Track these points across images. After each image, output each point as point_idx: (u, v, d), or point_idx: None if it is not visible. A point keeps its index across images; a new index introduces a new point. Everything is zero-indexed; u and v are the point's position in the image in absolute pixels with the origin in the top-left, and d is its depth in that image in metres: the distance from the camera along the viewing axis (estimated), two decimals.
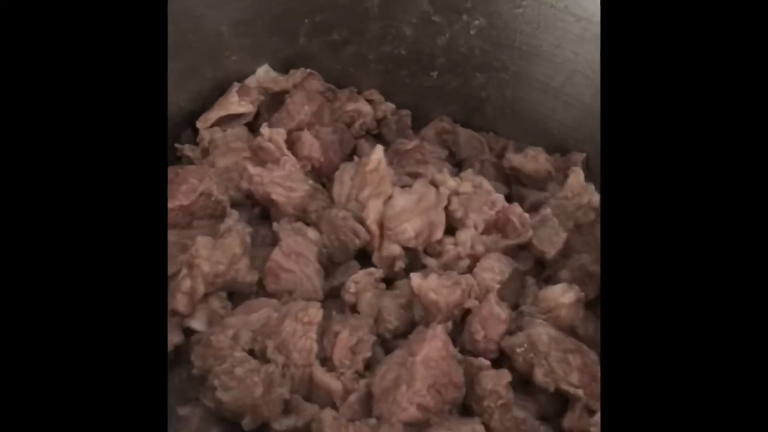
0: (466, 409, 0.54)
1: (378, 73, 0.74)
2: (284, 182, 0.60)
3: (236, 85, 0.67)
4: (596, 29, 0.66)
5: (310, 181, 0.62)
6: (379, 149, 0.59)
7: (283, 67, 0.71)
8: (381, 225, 0.59)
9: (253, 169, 0.60)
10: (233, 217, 0.56)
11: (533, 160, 0.71)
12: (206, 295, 0.54)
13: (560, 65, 0.70)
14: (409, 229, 0.58)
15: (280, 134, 0.63)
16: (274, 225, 0.59)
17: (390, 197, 0.59)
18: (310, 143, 0.65)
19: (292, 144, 0.65)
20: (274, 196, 0.60)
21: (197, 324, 0.54)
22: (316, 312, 0.53)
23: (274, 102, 0.68)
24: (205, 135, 0.65)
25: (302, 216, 0.61)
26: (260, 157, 0.63)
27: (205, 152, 0.65)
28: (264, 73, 0.69)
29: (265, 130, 0.62)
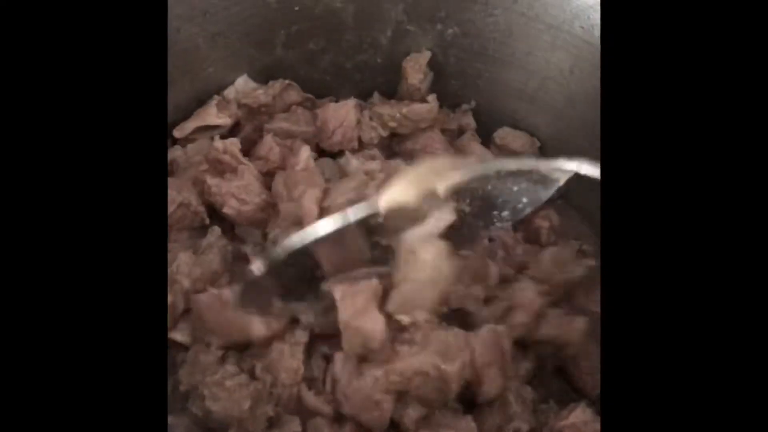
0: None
1: (354, 82, 0.75)
2: (239, 194, 0.60)
3: (216, 98, 0.68)
4: (566, 36, 0.68)
5: (264, 195, 0.61)
6: (306, 149, 0.60)
7: (262, 77, 0.71)
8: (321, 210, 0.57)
9: (210, 180, 0.60)
10: (215, 234, 0.57)
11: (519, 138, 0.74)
12: (187, 309, 0.55)
13: (533, 72, 0.72)
14: None
15: (235, 144, 0.62)
16: (244, 247, 0.58)
17: (326, 189, 0.58)
18: (269, 146, 0.65)
19: (252, 144, 0.66)
20: (225, 209, 0.60)
21: (180, 336, 0.54)
22: (302, 333, 0.53)
23: (251, 114, 0.69)
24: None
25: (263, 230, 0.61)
26: (219, 169, 0.62)
27: (170, 172, 0.65)
28: (243, 84, 0.69)
29: (218, 142, 0.62)
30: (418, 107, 0.71)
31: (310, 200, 0.55)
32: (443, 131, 0.74)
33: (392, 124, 0.71)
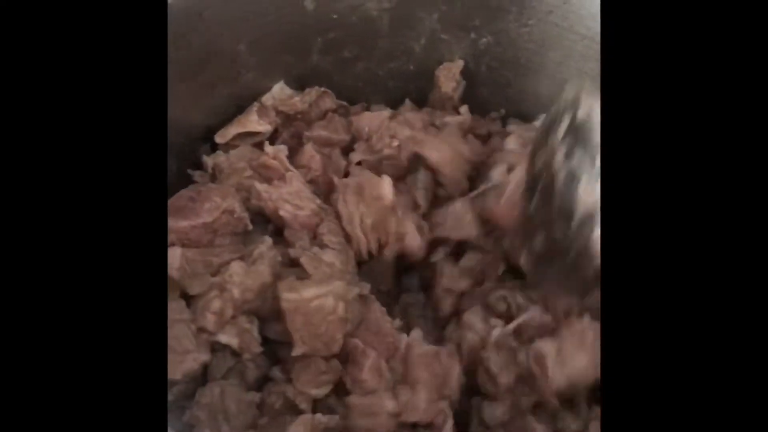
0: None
1: (387, 89, 0.76)
2: (292, 199, 0.61)
3: (256, 105, 0.68)
4: (598, 47, 0.69)
5: (318, 200, 0.63)
6: (388, 181, 0.61)
7: (297, 84, 0.72)
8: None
9: (260, 186, 0.61)
10: (266, 244, 0.58)
11: None
12: (234, 315, 0.56)
13: (563, 82, 0.73)
14: None
15: (282, 151, 0.64)
16: (291, 251, 0.59)
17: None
18: (310, 154, 0.66)
19: (293, 153, 0.67)
20: (282, 213, 0.61)
21: (226, 338, 0.55)
22: None
23: (288, 120, 0.70)
24: (208, 161, 0.66)
25: (313, 235, 0.62)
26: (265, 175, 0.64)
27: (213, 177, 0.66)
28: (279, 91, 0.70)
29: (269, 148, 0.64)
30: (451, 119, 0.72)
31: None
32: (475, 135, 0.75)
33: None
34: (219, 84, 0.67)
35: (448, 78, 0.74)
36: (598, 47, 0.69)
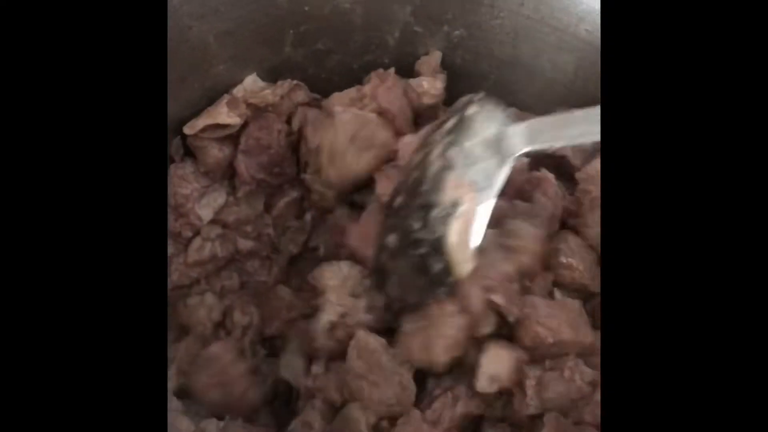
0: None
1: (361, 82, 0.76)
2: None
3: (226, 97, 0.68)
4: (571, 39, 0.69)
5: None
6: None
7: (270, 76, 0.72)
8: None
9: None
10: None
11: None
12: None
13: (538, 74, 0.73)
14: None
15: None
16: None
17: None
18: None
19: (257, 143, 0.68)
20: None
21: None
22: None
23: (258, 113, 0.69)
24: None
25: None
26: None
27: None
28: (251, 83, 0.70)
29: None
30: (423, 80, 0.72)
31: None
32: None
33: None
34: (189, 76, 0.67)
35: (429, 71, 0.74)
36: (570, 39, 0.69)
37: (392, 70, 0.71)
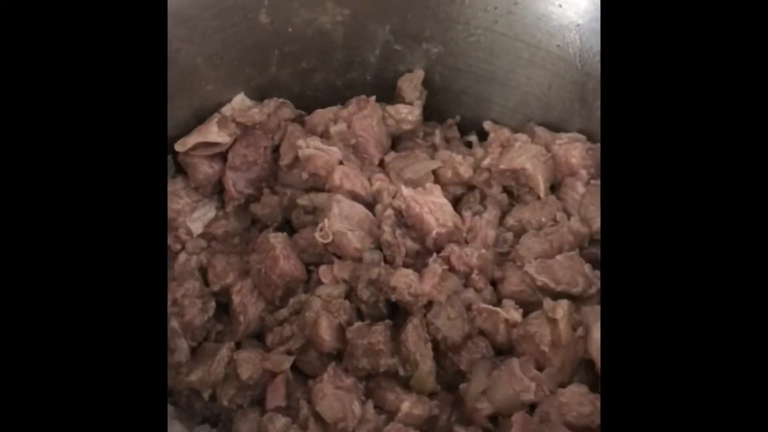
0: None
1: (346, 98, 0.79)
2: None
3: (216, 116, 0.71)
4: (544, 54, 0.72)
5: None
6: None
7: (257, 95, 0.75)
8: None
9: None
10: None
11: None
12: None
13: (514, 88, 0.77)
14: None
15: None
16: None
17: None
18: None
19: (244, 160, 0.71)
20: None
21: None
22: None
23: (246, 131, 0.72)
24: None
25: None
26: None
27: None
28: (240, 102, 0.73)
29: None
30: (401, 107, 0.75)
31: None
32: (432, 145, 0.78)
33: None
34: (179, 96, 0.70)
35: (411, 88, 0.77)
36: (543, 54, 0.73)
37: (372, 98, 0.74)
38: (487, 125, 0.79)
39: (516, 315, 0.62)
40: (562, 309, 0.59)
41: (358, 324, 0.61)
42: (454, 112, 0.81)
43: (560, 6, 0.68)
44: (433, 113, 0.81)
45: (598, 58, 0.69)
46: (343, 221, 0.65)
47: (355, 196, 0.69)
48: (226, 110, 0.73)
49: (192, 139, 0.69)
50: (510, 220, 0.71)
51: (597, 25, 0.67)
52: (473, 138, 0.80)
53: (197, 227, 0.70)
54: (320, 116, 0.74)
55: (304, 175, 0.70)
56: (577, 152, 0.71)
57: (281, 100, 0.75)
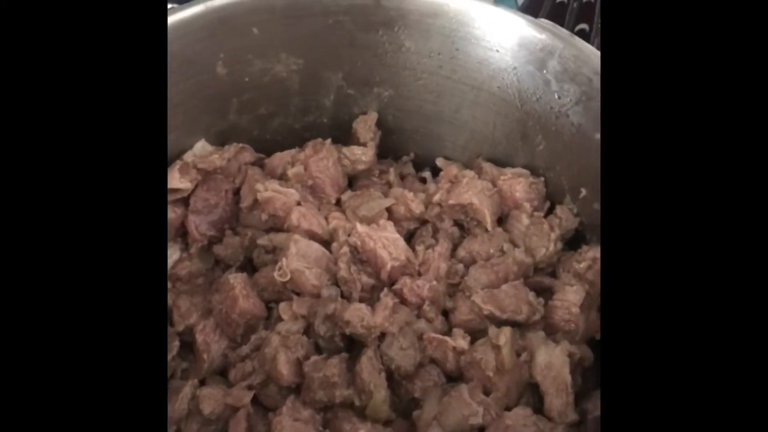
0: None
1: (305, 140, 0.83)
2: None
3: (178, 163, 0.74)
4: (486, 95, 0.77)
5: None
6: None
7: (218, 140, 0.79)
8: None
9: None
10: None
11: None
12: None
13: (461, 126, 0.81)
14: None
15: None
16: None
17: None
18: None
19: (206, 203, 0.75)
20: None
21: None
22: None
23: (207, 176, 0.76)
24: None
25: None
26: None
27: None
28: (201, 148, 0.77)
29: None
30: (355, 149, 0.80)
31: None
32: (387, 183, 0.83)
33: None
34: None
35: (365, 129, 0.82)
36: (485, 95, 0.77)
37: (328, 141, 0.79)
38: (439, 162, 0.84)
39: (463, 343, 0.66)
40: (504, 336, 0.63)
41: (314, 358, 0.64)
42: (409, 149, 0.86)
43: (497, 51, 0.73)
44: (389, 151, 0.85)
45: (535, 98, 0.74)
46: (300, 260, 0.69)
47: (312, 235, 0.72)
48: (188, 156, 0.76)
49: None
50: (461, 252, 0.75)
51: (531, 68, 0.72)
52: (427, 174, 0.85)
53: None
54: (279, 159, 0.78)
55: (264, 217, 0.73)
56: (521, 186, 0.76)
57: (241, 145, 0.79)
